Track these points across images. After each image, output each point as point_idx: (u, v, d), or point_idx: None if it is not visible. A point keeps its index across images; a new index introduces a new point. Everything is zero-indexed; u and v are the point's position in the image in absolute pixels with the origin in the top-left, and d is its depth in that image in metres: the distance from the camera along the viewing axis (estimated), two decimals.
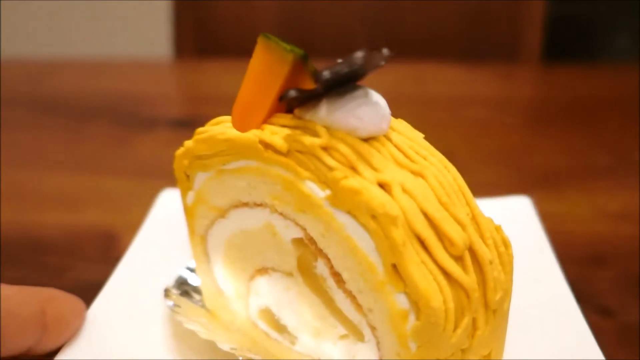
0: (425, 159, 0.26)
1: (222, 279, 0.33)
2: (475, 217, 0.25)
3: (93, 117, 0.75)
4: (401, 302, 0.24)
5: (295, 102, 0.26)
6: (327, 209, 0.25)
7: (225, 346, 0.30)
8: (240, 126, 0.27)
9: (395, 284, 0.23)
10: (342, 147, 0.24)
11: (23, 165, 0.61)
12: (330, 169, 0.24)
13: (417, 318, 0.23)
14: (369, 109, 0.25)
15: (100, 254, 0.45)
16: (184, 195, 0.33)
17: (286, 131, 0.26)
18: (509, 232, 0.39)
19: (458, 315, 0.24)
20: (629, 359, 0.35)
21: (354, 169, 0.24)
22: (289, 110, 0.27)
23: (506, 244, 0.26)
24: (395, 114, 0.31)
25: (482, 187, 0.58)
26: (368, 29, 1.07)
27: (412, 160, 0.25)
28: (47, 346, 0.29)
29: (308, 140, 0.25)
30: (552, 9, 1.18)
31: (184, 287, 0.35)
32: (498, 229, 0.26)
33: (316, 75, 0.23)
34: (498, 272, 0.25)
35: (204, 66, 1.00)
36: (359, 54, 0.23)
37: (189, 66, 1.03)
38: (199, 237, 0.33)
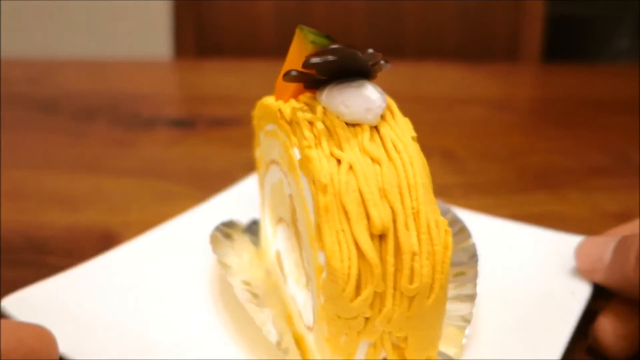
0: (398, 153, 0.29)
1: (267, 222, 0.39)
2: (418, 213, 0.28)
3: (93, 117, 0.75)
4: (320, 258, 0.28)
5: (305, 83, 0.30)
6: (298, 172, 0.30)
7: (235, 279, 0.35)
8: (276, 97, 0.33)
9: (318, 242, 0.28)
10: (320, 125, 0.29)
11: (23, 165, 0.61)
12: (305, 139, 0.29)
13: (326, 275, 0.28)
14: (358, 100, 0.29)
15: (100, 254, 0.45)
16: (255, 149, 0.39)
17: (298, 105, 0.31)
18: (556, 265, 0.40)
19: (361, 284, 0.27)
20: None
21: (319, 143, 0.28)
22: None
23: (446, 246, 0.28)
24: None
25: (482, 187, 0.58)
26: (368, 29, 1.07)
27: (384, 149, 0.29)
28: None
29: (301, 114, 0.30)
30: (552, 9, 1.18)
31: (253, 226, 0.42)
32: (447, 232, 0.28)
33: (304, 61, 0.28)
34: (420, 265, 0.27)
35: (204, 66, 1.00)
36: (339, 46, 0.27)
37: (189, 66, 1.03)
38: (261, 186, 0.39)
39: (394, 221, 0.27)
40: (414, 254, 0.27)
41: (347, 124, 0.29)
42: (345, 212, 0.27)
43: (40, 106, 0.78)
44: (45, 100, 0.80)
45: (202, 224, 0.42)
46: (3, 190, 0.55)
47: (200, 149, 0.66)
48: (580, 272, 0.37)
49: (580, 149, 0.68)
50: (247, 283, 0.35)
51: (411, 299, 0.27)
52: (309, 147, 0.28)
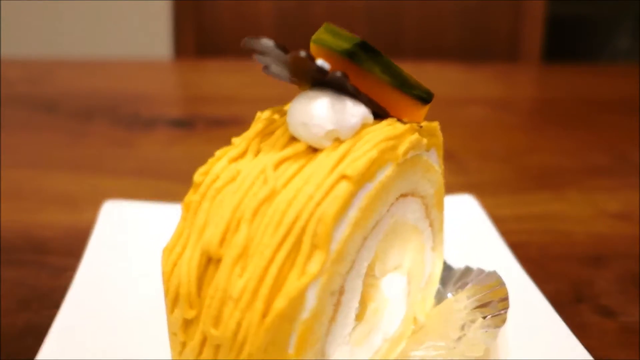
0: (303, 186, 0.24)
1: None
2: (259, 256, 0.23)
3: (93, 117, 0.75)
4: None
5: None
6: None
7: None
8: None
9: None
10: (259, 127, 0.27)
11: (23, 165, 0.61)
12: (240, 137, 0.27)
13: None
14: (299, 111, 0.25)
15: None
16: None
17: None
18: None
19: (177, 300, 0.24)
20: (629, 359, 0.35)
21: (240, 144, 0.27)
22: None
23: (274, 311, 0.22)
24: None
25: (482, 186, 0.58)
26: (368, 29, 1.07)
27: (287, 178, 0.24)
28: None
29: (263, 114, 0.28)
30: (552, 9, 1.18)
31: None
32: (290, 299, 0.22)
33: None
34: (230, 314, 0.23)
35: (204, 66, 1.00)
36: (272, 42, 0.24)
37: (189, 66, 1.03)
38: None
39: (228, 251, 0.23)
40: (229, 297, 0.22)
41: (292, 136, 0.26)
42: (196, 217, 0.24)
43: (40, 106, 0.78)
44: (45, 100, 0.80)
45: None
46: (3, 190, 0.55)
47: (200, 149, 0.66)
48: None
49: (580, 149, 0.68)
50: None
51: (216, 348, 0.23)
52: (233, 145, 0.27)
